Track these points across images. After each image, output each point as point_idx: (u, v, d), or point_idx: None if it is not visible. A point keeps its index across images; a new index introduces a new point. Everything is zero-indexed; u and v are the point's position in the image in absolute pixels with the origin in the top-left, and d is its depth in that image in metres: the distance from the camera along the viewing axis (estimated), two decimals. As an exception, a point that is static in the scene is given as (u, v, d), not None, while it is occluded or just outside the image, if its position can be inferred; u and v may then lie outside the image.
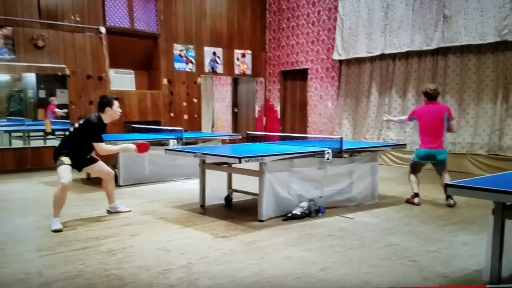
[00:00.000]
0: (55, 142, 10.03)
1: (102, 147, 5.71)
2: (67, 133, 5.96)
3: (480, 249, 4.29)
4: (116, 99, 5.88)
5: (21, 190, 7.94)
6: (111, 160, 9.06)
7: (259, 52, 13.89)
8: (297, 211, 5.79)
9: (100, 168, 6.02)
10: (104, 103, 5.77)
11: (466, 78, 9.81)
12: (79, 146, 5.70)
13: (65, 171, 5.53)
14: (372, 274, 3.95)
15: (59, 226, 5.35)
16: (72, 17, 10.35)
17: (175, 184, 8.45)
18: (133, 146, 5.92)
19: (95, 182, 8.58)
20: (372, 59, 11.46)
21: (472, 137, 9.68)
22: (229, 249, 4.63)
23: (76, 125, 5.79)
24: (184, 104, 12.36)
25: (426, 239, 4.97)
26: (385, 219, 5.89)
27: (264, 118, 14.19)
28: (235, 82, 14.88)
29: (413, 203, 6.68)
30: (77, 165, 5.79)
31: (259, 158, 5.45)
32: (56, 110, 10.61)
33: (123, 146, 5.99)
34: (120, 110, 5.94)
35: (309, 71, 12.89)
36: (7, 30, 9.59)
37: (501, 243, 3.55)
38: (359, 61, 11.73)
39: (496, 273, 3.58)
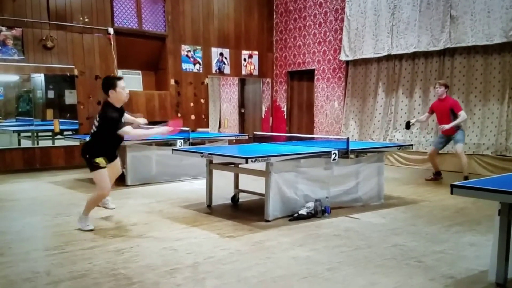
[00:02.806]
0: (64, 142, 10.22)
1: (130, 133, 5.30)
2: (94, 128, 5.41)
3: (486, 250, 4.28)
4: (120, 78, 5.37)
5: (29, 190, 8.00)
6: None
7: (266, 53, 13.91)
8: (303, 211, 5.80)
9: (116, 163, 5.74)
10: (106, 85, 5.28)
11: (473, 79, 9.79)
12: (108, 140, 5.36)
13: (104, 177, 5.31)
14: (378, 274, 3.96)
15: (92, 227, 5.38)
16: (81, 18, 10.42)
17: (182, 184, 8.49)
18: (167, 129, 5.52)
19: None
20: (378, 59, 11.46)
21: (479, 138, 9.65)
22: (236, 249, 4.65)
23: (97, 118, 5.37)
24: (191, 104, 12.41)
25: (432, 240, 4.97)
26: (391, 219, 5.89)
27: (270, 119, 14.21)
28: (242, 82, 14.92)
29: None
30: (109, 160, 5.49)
31: (266, 158, 5.47)
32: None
33: (156, 132, 5.83)
34: (127, 90, 5.37)
35: (315, 71, 12.89)
36: (16, 31, 9.66)
37: (508, 243, 3.55)
38: (366, 61, 11.73)
39: (502, 274, 3.59)
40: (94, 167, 5.26)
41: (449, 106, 8.34)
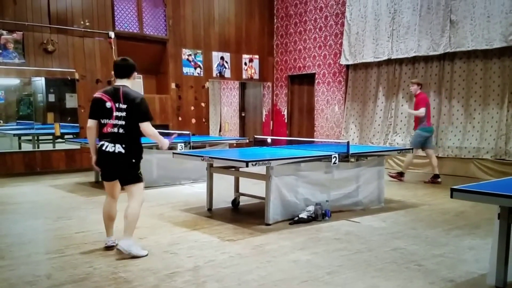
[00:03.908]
0: (64, 146, 10.22)
1: (150, 129, 4.53)
2: (116, 127, 4.47)
3: (486, 254, 4.29)
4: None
5: (30, 193, 8.01)
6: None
7: (266, 57, 13.94)
8: (303, 215, 5.81)
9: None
10: (130, 66, 4.61)
11: (473, 83, 9.81)
12: (137, 139, 4.59)
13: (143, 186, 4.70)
14: (378, 278, 3.97)
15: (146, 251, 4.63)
16: (82, 22, 10.44)
17: (183, 187, 8.49)
18: (167, 143, 4.84)
19: (103, 185, 8.63)
20: (379, 64, 11.48)
21: (479, 142, 9.66)
22: (236, 252, 4.66)
23: (122, 106, 4.44)
24: (192, 108, 12.42)
25: (432, 243, 4.98)
26: (391, 223, 5.90)
27: (271, 122, 14.23)
28: (243, 86, 14.94)
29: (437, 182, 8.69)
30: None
31: (266, 162, 5.48)
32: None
33: (162, 140, 4.81)
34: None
35: (316, 75, 12.92)
36: (17, 35, 9.68)
37: (507, 247, 3.57)
38: (366, 66, 11.75)
39: (502, 278, 3.60)
40: (139, 177, 4.60)
41: (416, 103, 8.89)
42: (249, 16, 13.45)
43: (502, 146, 9.31)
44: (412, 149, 8.30)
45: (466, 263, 4.36)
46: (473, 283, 3.88)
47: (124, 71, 4.60)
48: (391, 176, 9.16)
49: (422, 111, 8.64)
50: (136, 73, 4.68)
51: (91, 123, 4.56)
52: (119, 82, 4.58)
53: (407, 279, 3.94)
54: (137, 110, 4.44)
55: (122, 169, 4.53)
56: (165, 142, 4.80)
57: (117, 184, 4.65)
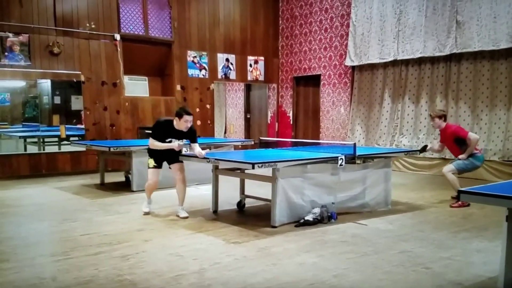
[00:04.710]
0: (70, 148, 10.26)
1: (150, 141, 6.42)
2: None
3: (494, 256, 4.26)
4: (188, 113, 6.19)
5: (35, 195, 8.01)
6: (125, 166, 9.14)
7: (271, 58, 13.92)
8: (309, 217, 5.77)
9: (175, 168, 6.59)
10: (176, 113, 6.32)
11: (480, 84, 9.75)
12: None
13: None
14: (385, 281, 3.94)
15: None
16: (88, 24, 10.45)
17: (188, 189, 8.42)
18: (175, 145, 6.26)
19: (108, 187, 8.66)
20: (385, 65, 11.43)
21: (486, 143, 9.60)
22: (242, 255, 4.63)
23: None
24: (197, 110, 12.40)
25: (440, 246, 4.94)
26: (398, 225, 5.86)
27: (276, 124, 14.20)
28: (248, 88, 14.93)
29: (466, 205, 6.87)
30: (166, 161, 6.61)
31: (272, 164, 5.45)
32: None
33: (167, 145, 6.32)
34: (188, 125, 6.18)
35: (321, 77, 12.88)
36: (23, 37, 9.70)
37: (516, 250, 3.52)
38: (372, 67, 11.71)
39: (510, 281, 3.55)
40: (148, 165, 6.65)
41: (451, 136, 7.30)
42: (254, 17, 13.44)
43: (510, 147, 9.24)
44: (418, 151, 7.97)
45: (474, 266, 4.32)
46: (481, 286, 3.84)
47: None
48: (455, 207, 6.92)
49: (475, 136, 7.25)
50: (177, 118, 6.24)
51: None
52: None
53: (414, 282, 3.91)
54: None
55: None
56: (170, 145, 6.29)
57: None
